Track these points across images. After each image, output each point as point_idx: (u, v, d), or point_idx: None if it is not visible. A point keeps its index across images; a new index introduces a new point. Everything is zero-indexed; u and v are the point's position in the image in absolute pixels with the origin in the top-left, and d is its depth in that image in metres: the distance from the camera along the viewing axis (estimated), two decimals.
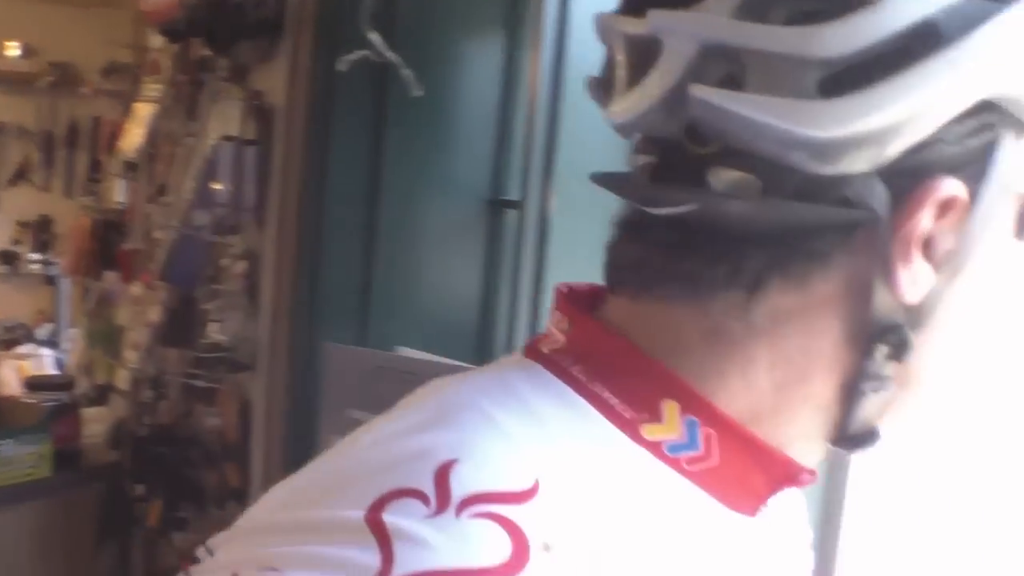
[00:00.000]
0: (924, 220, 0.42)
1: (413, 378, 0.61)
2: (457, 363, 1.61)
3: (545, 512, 0.39)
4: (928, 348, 0.45)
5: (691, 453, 0.45)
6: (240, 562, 0.39)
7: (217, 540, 0.44)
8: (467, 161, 1.88)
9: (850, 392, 0.45)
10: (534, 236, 1.75)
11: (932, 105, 0.40)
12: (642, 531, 0.43)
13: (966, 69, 0.40)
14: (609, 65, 0.46)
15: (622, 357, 0.46)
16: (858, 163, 0.40)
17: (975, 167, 0.43)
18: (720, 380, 0.45)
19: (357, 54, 1.66)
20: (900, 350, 0.44)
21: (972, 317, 0.47)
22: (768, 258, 0.43)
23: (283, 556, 0.38)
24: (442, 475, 0.39)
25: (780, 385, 0.45)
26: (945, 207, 0.42)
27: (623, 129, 0.45)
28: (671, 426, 0.44)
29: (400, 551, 0.36)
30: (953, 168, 0.42)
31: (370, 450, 0.43)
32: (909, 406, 0.48)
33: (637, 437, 0.44)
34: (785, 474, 0.47)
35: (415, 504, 0.38)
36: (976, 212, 0.43)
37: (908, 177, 0.42)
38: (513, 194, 1.88)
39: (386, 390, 1.37)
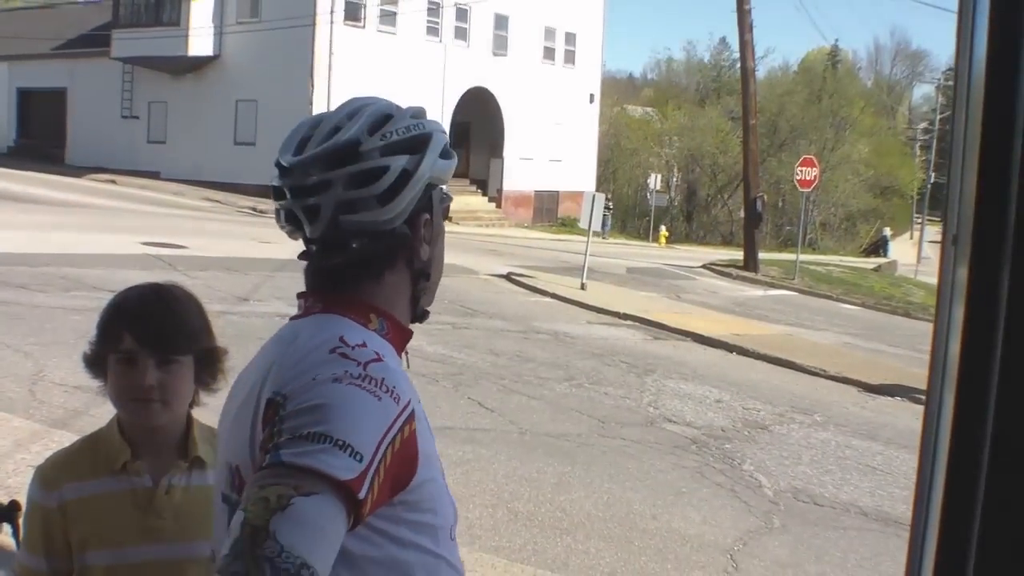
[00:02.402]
0: (422, 230, 1.39)
1: None
2: None
3: (373, 350, 1.28)
4: (433, 272, 1.43)
5: (385, 332, 1.36)
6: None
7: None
8: None
9: (416, 296, 1.42)
10: None
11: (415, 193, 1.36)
12: (393, 360, 1.32)
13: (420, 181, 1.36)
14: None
15: (357, 304, 1.36)
16: (396, 223, 1.35)
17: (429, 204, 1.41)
18: (390, 305, 1.38)
19: None
20: (426, 275, 1.42)
21: (440, 257, 1.44)
22: (378, 267, 1.38)
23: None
24: (343, 343, 1.26)
25: (403, 303, 1.41)
26: (425, 223, 1.40)
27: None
28: (376, 323, 1.35)
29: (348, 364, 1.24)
30: (424, 209, 1.40)
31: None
32: (431, 295, 1.44)
33: (368, 327, 1.34)
34: (409, 335, 1.42)
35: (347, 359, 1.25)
36: (433, 218, 1.41)
37: (412, 218, 1.38)
38: None
39: None
